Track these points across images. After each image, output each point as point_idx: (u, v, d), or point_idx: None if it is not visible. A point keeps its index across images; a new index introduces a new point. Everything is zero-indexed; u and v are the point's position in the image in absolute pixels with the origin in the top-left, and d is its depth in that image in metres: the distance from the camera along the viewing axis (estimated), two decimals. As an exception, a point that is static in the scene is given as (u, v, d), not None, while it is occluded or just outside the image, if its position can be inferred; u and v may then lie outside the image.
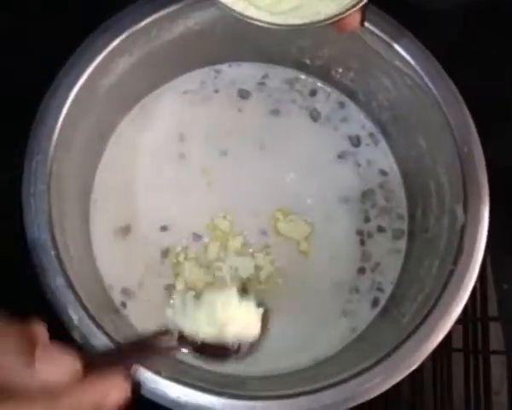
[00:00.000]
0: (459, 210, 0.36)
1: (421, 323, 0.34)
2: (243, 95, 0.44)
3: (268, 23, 0.28)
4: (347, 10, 0.28)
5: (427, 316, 0.34)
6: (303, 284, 0.41)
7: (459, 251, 0.35)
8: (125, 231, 0.41)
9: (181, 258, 0.40)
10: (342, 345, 0.40)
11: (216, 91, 0.44)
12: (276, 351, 0.39)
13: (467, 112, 0.36)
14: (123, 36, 0.35)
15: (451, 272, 0.35)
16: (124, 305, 0.39)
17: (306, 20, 0.28)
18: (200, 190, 0.42)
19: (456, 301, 0.34)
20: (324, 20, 0.28)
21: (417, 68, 0.38)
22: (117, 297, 0.39)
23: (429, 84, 0.37)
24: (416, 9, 0.45)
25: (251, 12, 0.28)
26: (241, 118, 0.44)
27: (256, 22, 0.28)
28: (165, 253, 0.41)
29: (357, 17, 0.29)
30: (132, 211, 0.41)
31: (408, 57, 0.38)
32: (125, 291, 0.39)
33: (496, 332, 0.43)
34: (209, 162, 0.43)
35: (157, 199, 0.42)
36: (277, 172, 0.43)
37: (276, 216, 0.42)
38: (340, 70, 0.43)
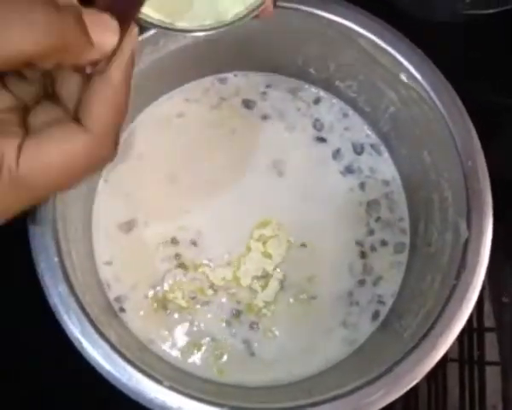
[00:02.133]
0: (462, 225, 0.36)
1: (423, 338, 0.34)
2: (248, 104, 0.44)
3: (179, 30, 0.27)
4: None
5: (428, 331, 0.34)
6: (303, 296, 0.41)
7: (462, 266, 0.35)
8: (128, 231, 0.41)
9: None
10: (342, 357, 0.40)
11: (221, 100, 0.44)
12: (276, 361, 0.39)
13: (471, 126, 0.37)
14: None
15: (454, 287, 0.35)
16: (122, 310, 0.39)
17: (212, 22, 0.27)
18: (204, 194, 0.42)
19: (458, 316, 0.34)
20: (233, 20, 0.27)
21: (423, 82, 0.38)
22: (116, 304, 0.39)
23: (434, 98, 0.37)
24: (417, 21, 0.45)
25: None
26: (243, 126, 0.44)
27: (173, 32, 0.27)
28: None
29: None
30: (136, 217, 0.41)
31: (414, 71, 0.38)
32: (122, 297, 0.39)
33: (491, 343, 0.43)
34: (213, 171, 0.43)
35: (161, 204, 0.42)
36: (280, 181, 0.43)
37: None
38: (346, 81, 0.43)
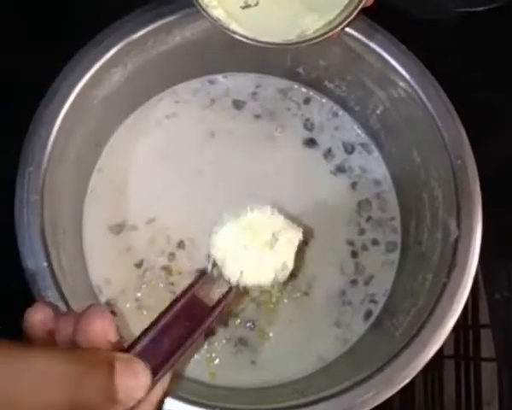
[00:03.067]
0: (452, 223, 0.36)
1: (415, 336, 0.34)
2: (238, 105, 0.44)
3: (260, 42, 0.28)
4: (336, 27, 0.28)
5: (420, 329, 0.34)
6: (296, 296, 0.41)
7: (452, 265, 0.35)
8: (118, 232, 0.41)
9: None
10: (334, 357, 0.40)
11: (211, 101, 0.44)
12: (269, 361, 0.39)
13: (460, 125, 0.37)
14: (118, 47, 0.35)
15: (444, 286, 0.35)
16: (113, 313, 0.39)
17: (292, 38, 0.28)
18: (195, 196, 0.42)
19: (450, 314, 0.34)
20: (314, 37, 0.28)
21: (411, 82, 0.38)
22: (106, 308, 0.39)
23: (423, 97, 0.37)
24: (407, 18, 0.45)
25: (241, 29, 0.28)
26: (234, 127, 0.44)
27: (247, 40, 0.28)
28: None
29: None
30: (125, 219, 0.41)
31: (402, 70, 0.38)
32: (112, 301, 0.39)
33: (487, 339, 0.43)
34: (203, 169, 0.42)
35: (152, 207, 0.41)
36: (270, 181, 0.43)
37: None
38: (334, 81, 0.43)
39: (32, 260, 0.32)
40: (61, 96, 0.34)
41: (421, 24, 0.46)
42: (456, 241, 0.35)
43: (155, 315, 0.26)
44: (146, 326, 0.26)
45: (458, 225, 0.36)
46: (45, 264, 0.32)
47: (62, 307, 0.32)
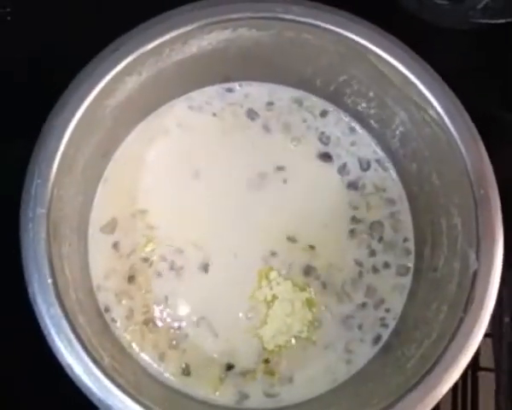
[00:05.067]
0: (472, 255, 0.35)
1: (428, 373, 0.33)
2: (252, 114, 0.43)
3: None
4: None
5: (433, 366, 0.33)
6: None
7: (470, 299, 0.34)
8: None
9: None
10: (341, 380, 0.39)
11: (225, 110, 0.43)
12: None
13: (485, 154, 0.35)
14: (133, 56, 0.34)
15: (461, 320, 0.34)
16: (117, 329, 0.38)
17: None
18: (204, 206, 0.41)
19: (465, 351, 0.33)
20: None
21: (435, 104, 0.36)
22: (112, 324, 0.38)
23: (447, 121, 0.36)
24: (426, 26, 0.44)
25: None
26: (247, 136, 0.43)
27: None
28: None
29: None
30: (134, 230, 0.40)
31: (427, 93, 0.36)
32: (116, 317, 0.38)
33: (486, 349, 0.42)
34: (212, 179, 0.41)
35: (160, 216, 0.40)
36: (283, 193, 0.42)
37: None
38: (354, 97, 0.42)
39: (36, 277, 0.31)
40: (70, 107, 0.33)
41: (440, 33, 0.45)
42: (475, 274, 0.34)
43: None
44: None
45: (478, 258, 0.34)
46: (50, 281, 0.31)
47: (64, 326, 0.31)
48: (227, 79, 0.43)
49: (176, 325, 0.39)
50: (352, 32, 0.37)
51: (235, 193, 0.41)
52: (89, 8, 0.40)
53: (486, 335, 0.41)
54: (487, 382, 0.42)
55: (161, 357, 0.38)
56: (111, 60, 0.34)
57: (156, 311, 0.39)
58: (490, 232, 0.34)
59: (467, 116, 0.36)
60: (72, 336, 0.31)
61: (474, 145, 0.35)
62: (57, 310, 0.31)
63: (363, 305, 0.41)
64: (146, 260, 0.39)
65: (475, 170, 0.35)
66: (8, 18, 0.42)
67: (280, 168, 0.42)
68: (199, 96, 0.43)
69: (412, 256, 0.41)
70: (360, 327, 0.40)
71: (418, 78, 0.36)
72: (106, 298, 0.38)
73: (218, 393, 0.38)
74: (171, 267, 0.39)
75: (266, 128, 0.43)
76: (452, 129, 0.36)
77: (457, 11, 0.47)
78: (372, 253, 0.42)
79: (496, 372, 0.42)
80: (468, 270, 0.35)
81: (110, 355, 0.33)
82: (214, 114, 0.43)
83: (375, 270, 0.41)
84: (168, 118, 0.42)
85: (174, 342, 0.38)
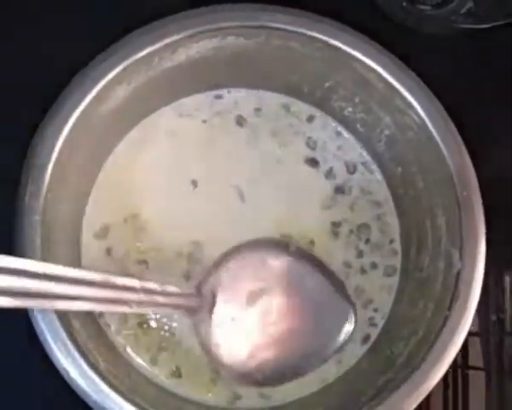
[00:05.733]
0: (455, 255, 0.36)
1: (414, 369, 0.34)
2: (240, 121, 0.44)
3: None
4: None
5: (420, 362, 0.34)
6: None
7: (455, 297, 0.35)
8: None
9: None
10: (330, 380, 0.40)
11: (214, 116, 0.44)
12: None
13: (467, 157, 0.36)
14: (123, 65, 0.35)
15: (446, 318, 0.35)
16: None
17: None
18: (195, 211, 0.41)
19: (450, 348, 0.34)
20: None
21: (418, 109, 0.37)
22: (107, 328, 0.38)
23: (430, 126, 0.37)
24: (408, 32, 0.45)
25: None
26: (236, 142, 0.43)
27: None
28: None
29: None
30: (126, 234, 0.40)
31: (409, 97, 0.38)
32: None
33: (475, 348, 0.43)
34: (203, 184, 0.42)
35: (153, 221, 0.41)
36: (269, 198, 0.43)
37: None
38: (339, 102, 0.42)
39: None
40: (61, 116, 0.33)
41: (424, 38, 0.46)
42: (459, 273, 0.35)
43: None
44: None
45: (461, 257, 0.35)
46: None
47: (60, 332, 0.32)
48: (216, 86, 0.43)
49: (167, 325, 0.39)
50: (337, 39, 0.38)
51: (225, 198, 0.42)
52: (77, 16, 0.41)
53: (475, 334, 0.42)
54: (477, 380, 0.43)
55: (153, 360, 0.38)
56: (101, 69, 0.34)
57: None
58: (473, 233, 0.35)
59: (449, 121, 0.37)
60: (68, 340, 0.31)
61: (457, 149, 0.37)
62: (52, 315, 0.32)
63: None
64: (140, 262, 0.40)
65: (458, 173, 0.36)
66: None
67: (268, 174, 0.43)
68: (188, 103, 0.43)
69: (399, 256, 0.42)
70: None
71: (401, 83, 0.38)
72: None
73: (210, 394, 0.39)
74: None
75: (255, 134, 0.44)
76: (435, 133, 0.37)
77: (440, 16, 0.47)
78: (360, 254, 0.42)
79: (485, 371, 0.43)
80: (452, 269, 0.36)
81: (105, 359, 0.34)
82: (204, 121, 0.43)
83: (362, 271, 0.42)
84: (158, 125, 0.43)
85: (164, 344, 0.39)
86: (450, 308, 0.35)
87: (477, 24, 0.46)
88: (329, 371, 0.40)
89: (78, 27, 0.40)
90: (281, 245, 0.40)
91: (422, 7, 0.47)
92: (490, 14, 0.45)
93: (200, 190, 0.42)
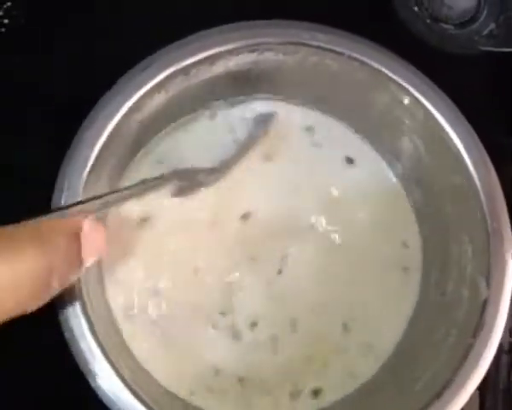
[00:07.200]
0: (482, 283, 0.36)
1: (437, 397, 0.34)
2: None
3: None
4: None
5: (442, 390, 0.34)
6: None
7: (480, 325, 0.35)
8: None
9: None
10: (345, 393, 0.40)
11: (241, 121, 0.43)
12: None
13: (498, 186, 0.36)
14: (164, 74, 0.35)
15: (470, 346, 0.35)
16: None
17: None
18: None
19: (473, 376, 0.34)
20: None
21: (451, 134, 0.37)
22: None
23: (462, 152, 0.37)
24: (432, 52, 0.45)
25: None
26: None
27: None
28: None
29: None
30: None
31: (442, 121, 0.38)
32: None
33: None
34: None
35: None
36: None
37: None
38: (373, 123, 0.42)
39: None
40: (100, 122, 0.33)
41: (447, 59, 0.46)
42: (485, 302, 0.35)
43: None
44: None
45: (488, 286, 0.36)
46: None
47: (89, 338, 0.32)
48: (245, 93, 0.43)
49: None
50: (374, 60, 0.38)
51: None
52: (119, 24, 0.41)
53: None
54: (472, 399, 0.43)
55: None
56: (142, 77, 0.34)
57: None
58: (501, 263, 0.35)
59: (483, 149, 0.37)
60: (95, 347, 0.32)
61: (489, 178, 0.37)
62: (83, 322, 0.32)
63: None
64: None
65: (489, 203, 0.36)
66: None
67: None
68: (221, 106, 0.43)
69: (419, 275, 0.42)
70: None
71: (435, 107, 0.37)
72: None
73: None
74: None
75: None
76: (468, 161, 0.37)
77: (463, 36, 0.48)
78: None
79: (479, 390, 0.43)
80: (478, 297, 0.36)
81: (128, 368, 0.34)
82: (233, 124, 0.43)
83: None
84: (191, 128, 0.42)
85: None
86: (474, 336, 0.35)
87: (498, 47, 0.46)
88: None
89: (119, 34, 0.40)
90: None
91: (445, 26, 0.47)
92: (510, 38, 0.46)
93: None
